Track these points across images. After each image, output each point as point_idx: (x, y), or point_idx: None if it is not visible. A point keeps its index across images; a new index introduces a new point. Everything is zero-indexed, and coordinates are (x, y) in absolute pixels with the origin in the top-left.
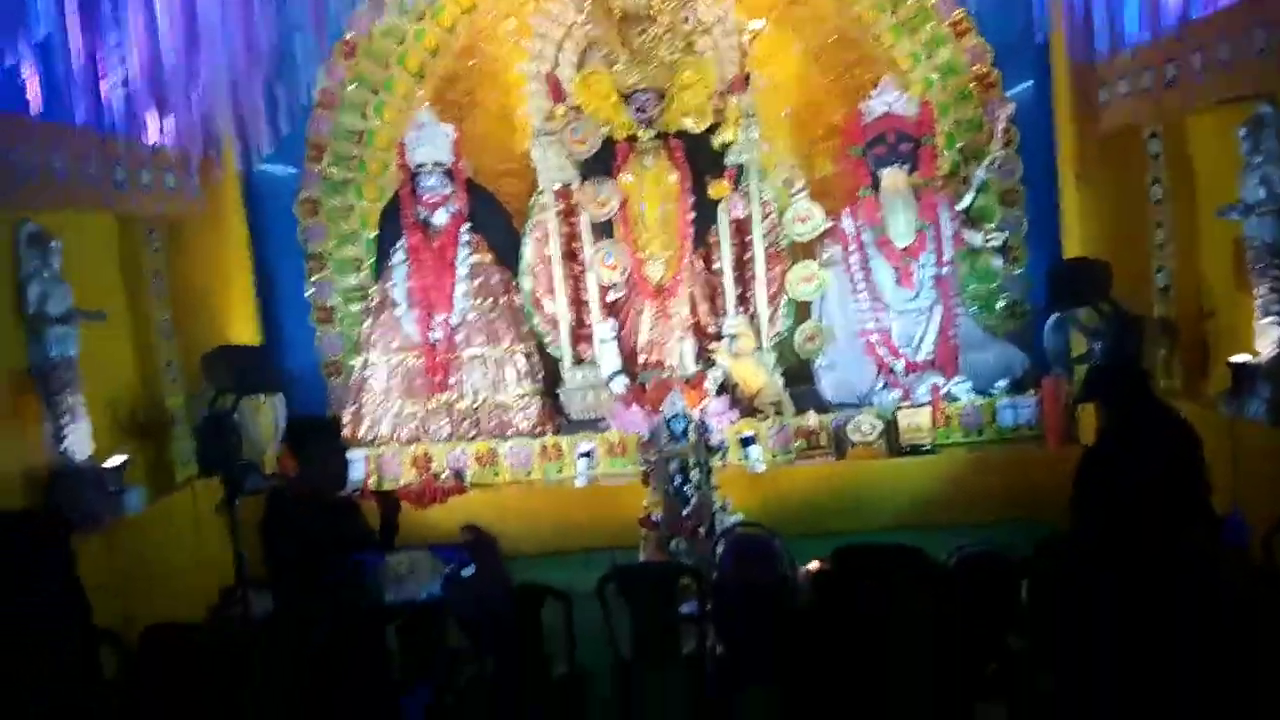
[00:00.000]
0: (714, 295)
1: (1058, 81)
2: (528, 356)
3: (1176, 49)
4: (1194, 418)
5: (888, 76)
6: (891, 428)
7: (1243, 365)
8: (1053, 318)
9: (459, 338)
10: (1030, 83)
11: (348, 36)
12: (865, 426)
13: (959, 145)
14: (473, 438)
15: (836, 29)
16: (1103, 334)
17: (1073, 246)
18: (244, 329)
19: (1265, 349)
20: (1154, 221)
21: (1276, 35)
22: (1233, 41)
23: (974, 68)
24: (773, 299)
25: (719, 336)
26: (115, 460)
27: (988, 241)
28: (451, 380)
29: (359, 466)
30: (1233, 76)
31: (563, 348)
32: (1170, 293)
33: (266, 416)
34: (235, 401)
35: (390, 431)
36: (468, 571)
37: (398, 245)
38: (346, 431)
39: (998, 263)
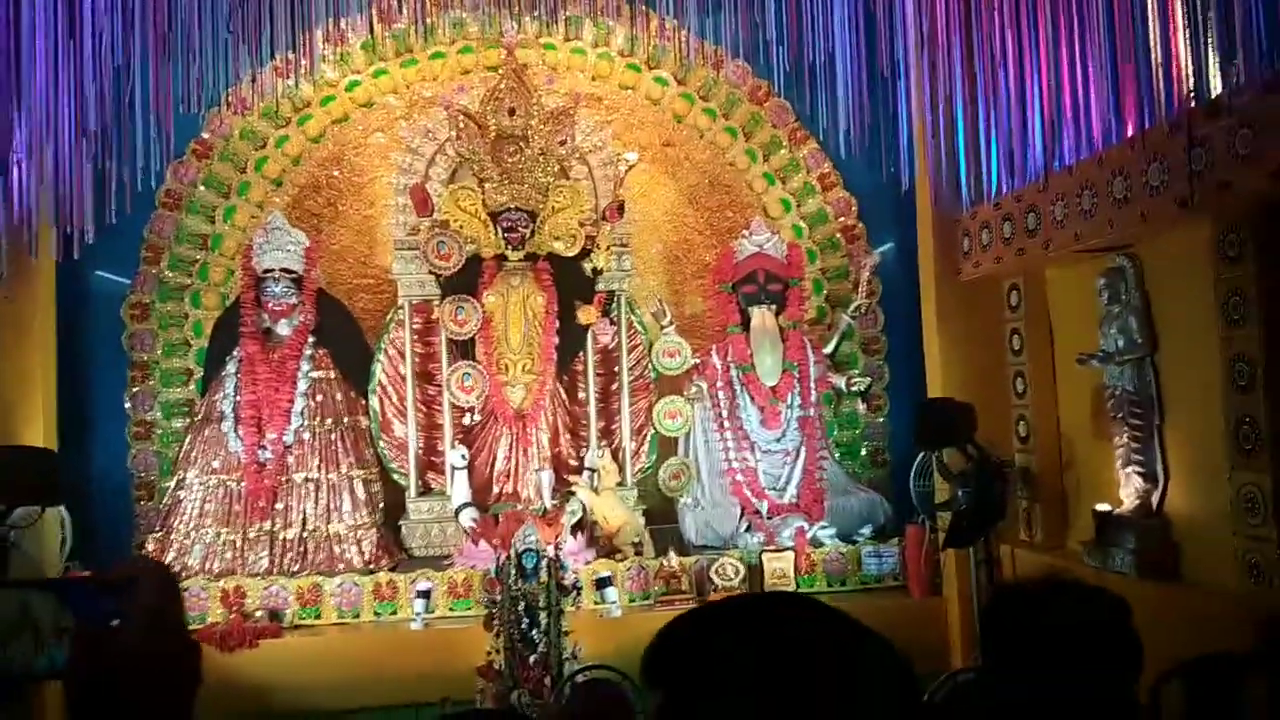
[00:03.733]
0: (576, 426)
1: (921, 232)
2: (367, 484)
3: (1038, 199)
4: (1057, 572)
5: (759, 218)
6: (755, 572)
7: (1106, 515)
8: (918, 459)
9: (291, 459)
10: (895, 235)
11: (204, 136)
12: (729, 570)
13: (825, 291)
14: (295, 572)
15: (709, 173)
16: (968, 479)
17: (935, 395)
18: (40, 438)
19: (1127, 498)
20: (1014, 370)
21: (1135, 186)
22: (1093, 192)
23: (840, 219)
24: (638, 432)
25: (580, 469)
26: None
27: (851, 386)
28: (278, 506)
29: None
30: (1092, 226)
31: (409, 475)
32: (1030, 442)
33: (49, 532)
34: (4, 513)
35: (200, 563)
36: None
37: (232, 355)
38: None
39: (861, 408)
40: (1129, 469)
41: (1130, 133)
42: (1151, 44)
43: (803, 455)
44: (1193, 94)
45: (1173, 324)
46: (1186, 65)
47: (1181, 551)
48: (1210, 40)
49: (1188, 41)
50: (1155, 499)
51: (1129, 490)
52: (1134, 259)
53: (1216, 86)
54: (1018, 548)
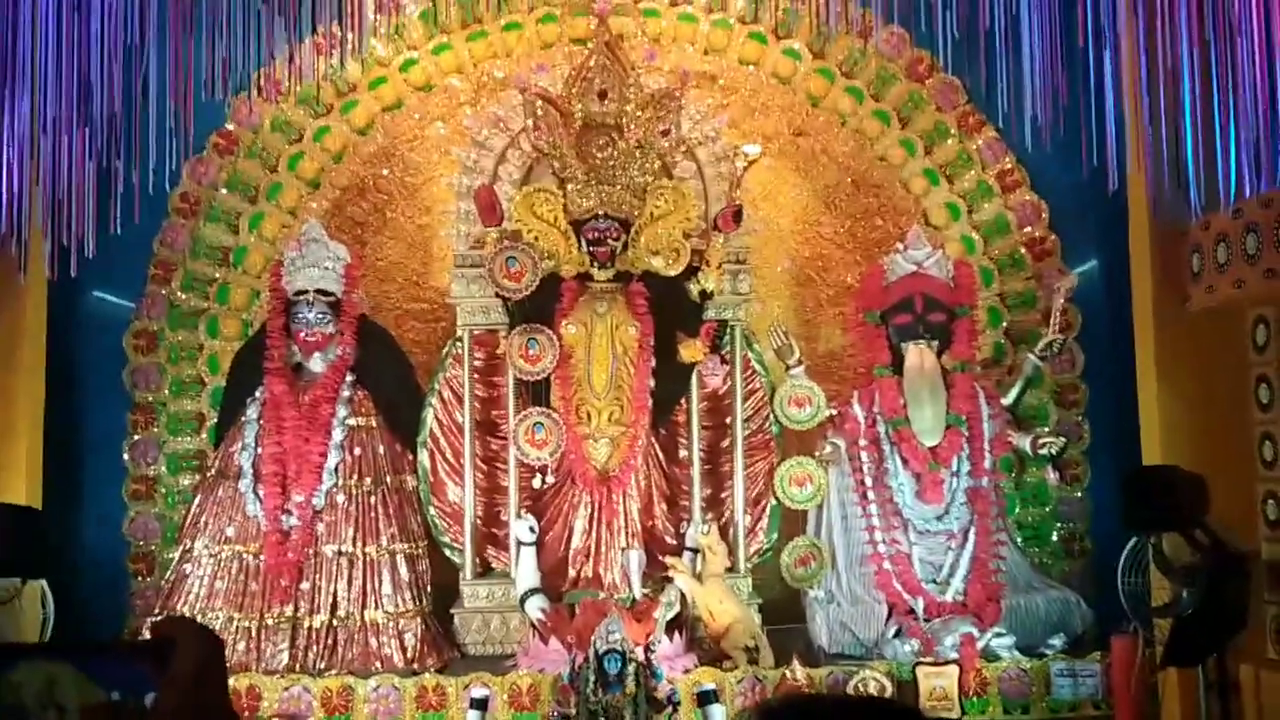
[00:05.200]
0: (675, 493)
1: (1135, 248)
2: (412, 560)
3: None
4: None
5: (917, 228)
6: (907, 690)
7: None
8: (1129, 547)
9: (321, 528)
10: (1099, 251)
11: (228, 127)
12: (872, 686)
13: (1005, 323)
14: (322, 670)
15: (852, 170)
16: (1196, 574)
17: (1152, 462)
18: (21, 495)
19: None
20: (1262, 431)
21: None
22: None
23: (1026, 229)
24: (755, 503)
25: (679, 550)
26: None
27: (1039, 448)
28: (304, 586)
29: None
30: None
31: (464, 551)
32: None
33: (29, 609)
34: None
35: None
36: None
37: (254, 397)
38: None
39: (1053, 478)
40: None
41: None
42: None
43: (972, 538)
44: None
45: None
46: None
47: None
48: None
49: None
50: None
51: None
52: None
53: None
54: (1264, 668)
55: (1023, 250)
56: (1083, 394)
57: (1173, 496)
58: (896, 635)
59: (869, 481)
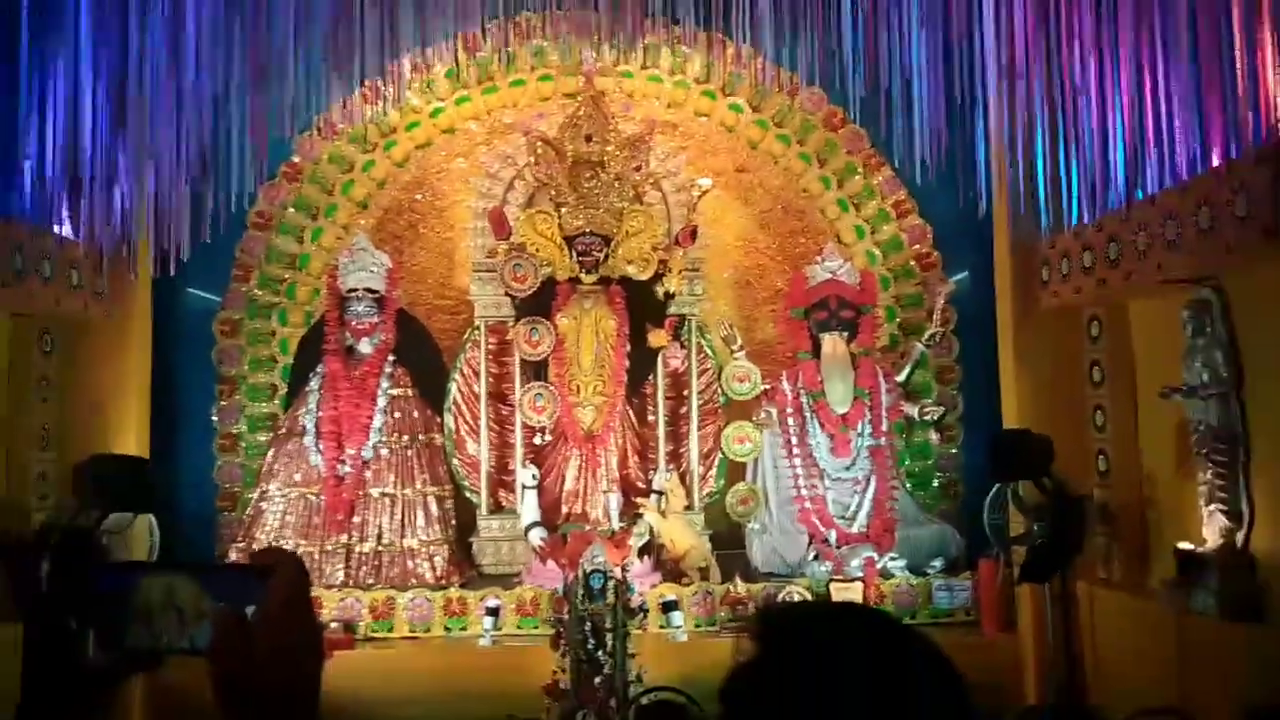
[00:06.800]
0: (645, 449)
1: (998, 261)
2: (440, 500)
3: (1120, 229)
4: (1136, 611)
5: (832, 244)
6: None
7: (1189, 554)
8: (992, 492)
9: (369, 474)
10: (971, 263)
11: (295, 159)
12: (796, 598)
13: (899, 319)
14: (370, 585)
15: (782, 199)
16: (1044, 512)
17: (1011, 426)
18: (132, 448)
19: (1211, 537)
20: (1094, 403)
21: (1221, 217)
22: (1177, 222)
23: (914, 247)
24: (706, 457)
25: (648, 492)
26: None
27: (924, 415)
28: (355, 520)
29: None
30: (1177, 258)
31: (481, 493)
32: (1110, 477)
33: (140, 538)
34: (99, 519)
35: None
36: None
37: (315, 371)
38: None
39: (934, 438)
40: (1212, 507)
41: (1216, 162)
42: (1238, 72)
43: (873, 484)
44: None
45: (1260, 358)
46: (1275, 93)
47: (1267, 593)
48: None
49: (1275, 69)
50: (1240, 538)
51: (1212, 529)
52: (1219, 291)
53: None
54: (1095, 585)
55: (913, 263)
56: (958, 373)
57: (1026, 453)
58: (815, 559)
59: (794, 440)
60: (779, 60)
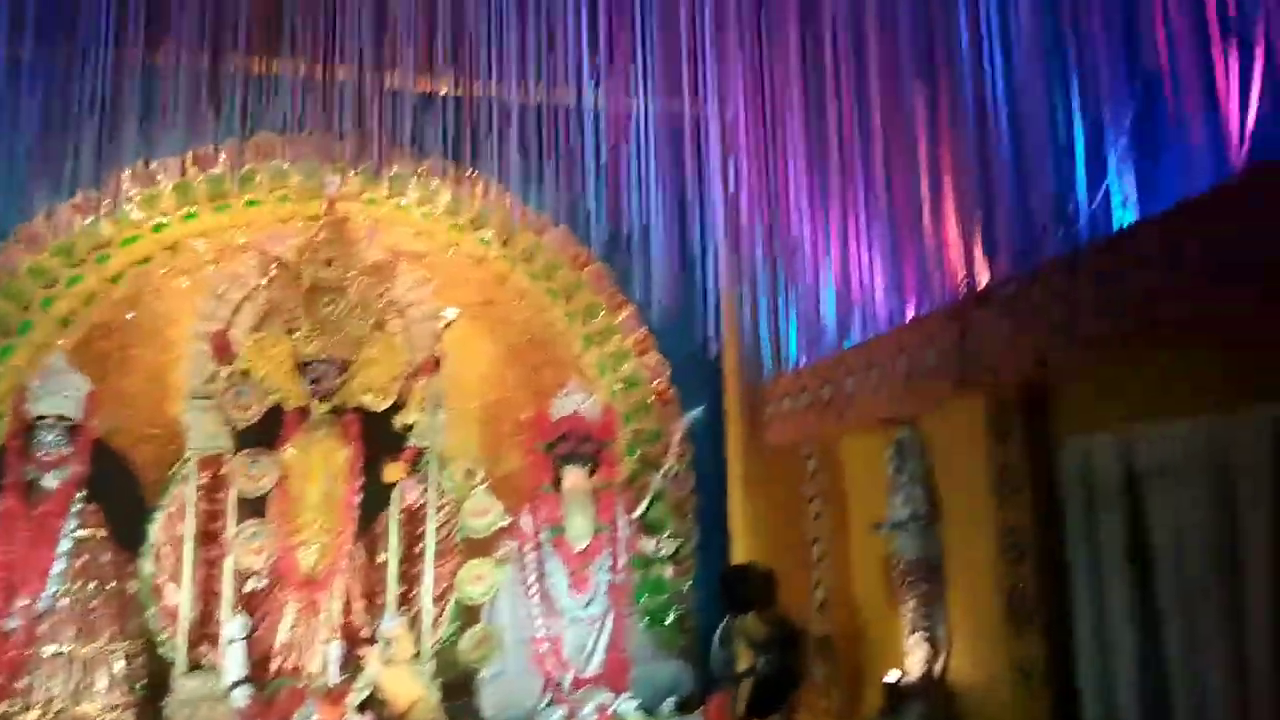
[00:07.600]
0: (373, 593)
1: (729, 399)
2: (130, 658)
3: (832, 372)
4: None
5: (575, 379)
6: None
7: (895, 684)
8: (720, 626)
9: (41, 629)
10: (705, 400)
11: None
12: None
13: (638, 454)
14: None
15: (528, 332)
16: (770, 645)
17: (739, 559)
18: None
19: (914, 666)
20: (812, 537)
21: (916, 365)
22: (880, 368)
23: (653, 383)
24: (439, 599)
25: (374, 640)
26: None
27: (659, 550)
28: (20, 684)
29: None
30: (879, 401)
31: (178, 647)
32: (826, 609)
33: None
34: None
35: None
36: None
37: None
38: None
39: (669, 573)
40: (916, 635)
41: (911, 315)
42: (926, 236)
43: (609, 623)
44: (966, 283)
45: (954, 494)
46: (959, 255)
47: (964, 717)
48: (977, 235)
49: (959, 235)
50: (939, 666)
51: (916, 657)
52: (917, 431)
53: (985, 278)
54: (819, 718)
55: (652, 398)
56: (692, 505)
57: (749, 586)
58: (548, 705)
59: (532, 578)
60: (527, 199)
